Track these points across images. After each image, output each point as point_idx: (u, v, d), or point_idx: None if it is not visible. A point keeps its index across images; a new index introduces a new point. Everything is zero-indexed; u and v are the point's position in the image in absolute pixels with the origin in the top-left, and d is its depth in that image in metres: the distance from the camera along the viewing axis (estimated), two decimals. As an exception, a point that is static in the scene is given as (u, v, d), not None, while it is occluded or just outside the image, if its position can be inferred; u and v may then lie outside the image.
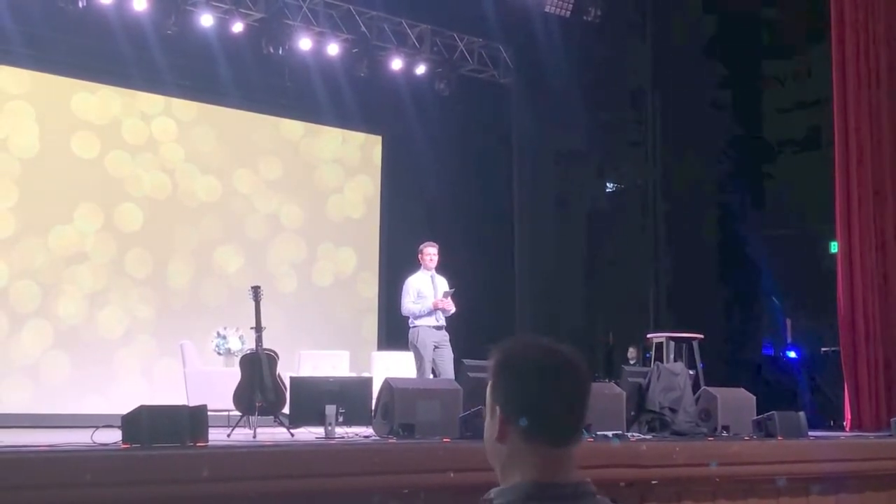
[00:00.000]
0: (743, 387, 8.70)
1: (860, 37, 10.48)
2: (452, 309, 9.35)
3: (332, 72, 12.92)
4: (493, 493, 1.90)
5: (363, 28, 12.92)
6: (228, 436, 7.15)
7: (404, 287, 9.41)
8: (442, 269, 9.58)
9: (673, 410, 8.03)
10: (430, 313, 9.27)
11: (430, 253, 9.47)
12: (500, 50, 14.22)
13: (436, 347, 9.20)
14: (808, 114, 12.77)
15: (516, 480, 1.89)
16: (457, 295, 9.40)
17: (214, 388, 9.07)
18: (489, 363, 1.97)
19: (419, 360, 9.21)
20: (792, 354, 12.91)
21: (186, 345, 10.39)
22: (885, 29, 10.52)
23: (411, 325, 9.31)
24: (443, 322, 9.33)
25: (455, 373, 8.82)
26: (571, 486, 1.89)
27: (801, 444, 7.55)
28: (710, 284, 12.92)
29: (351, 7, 12.77)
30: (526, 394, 1.89)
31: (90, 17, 11.01)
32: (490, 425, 1.95)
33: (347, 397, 7.30)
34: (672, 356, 10.48)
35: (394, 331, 13.13)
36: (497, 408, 1.92)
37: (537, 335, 1.98)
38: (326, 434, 6.79)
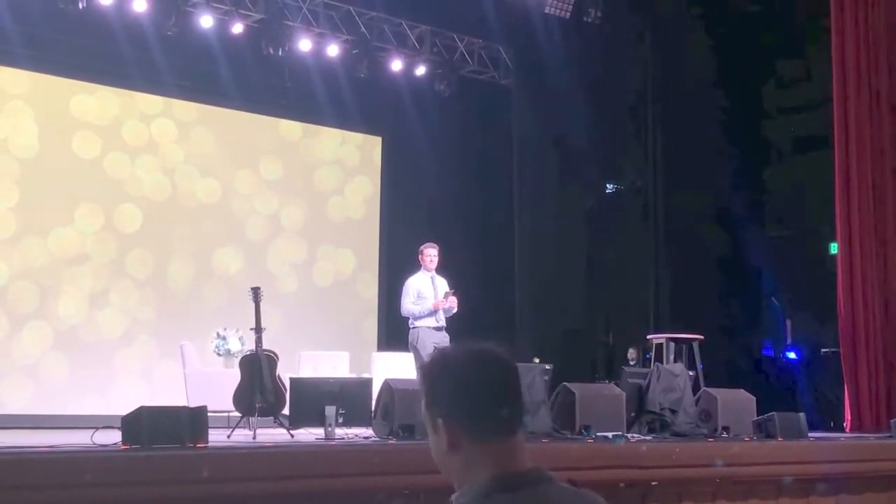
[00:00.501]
0: (743, 388, 8.69)
1: (860, 38, 10.48)
2: (455, 308, 9.34)
3: (332, 73, 12.92)
4: (453, 498, 1.93)
5: (363, 29, 12.92)
6: (228, 437, 7.15)
7: (404, 288, 9.40)
8: (442, 270, 9.58)
9: (673, 411, 8.03)
10: (430, 314, 9.26)
11: (431, 254, 9.45)
12: (501, 51, 14.22)
13: (436, 348, 9.18)
14: (809, 115, 12.78)
15: (473, 481, 1.91)
16: (457, 295, 9.40)
17: (214, 389, 9.07)
18: (419, 381, 2.04)
19: (419, 361, 9.20)
20: (792, 355, 12.90)
21: (186, 346, 10.38)
22: (886, 30, 10.52)
23: (411, 326, 9.30)
24: (443, 323, 9.33)
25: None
26: (528, 472, 1.92)
27: (801, 445, 7.56)
28: (710, 285, 12.92)
29: (351, 8, 12.77)
30: (462, 394, 1.94)
31: (90, 18, 11.01)
32: (437, 441, 1.99)
33: (347, 398, 7.30)
34: (672, 357, 10.49)
35: (394, 332, 13.12)
36: (439, 420, 1.96)
37: (460, 341, 2.04)
38: (326, 435, 6.80)
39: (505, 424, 1.94)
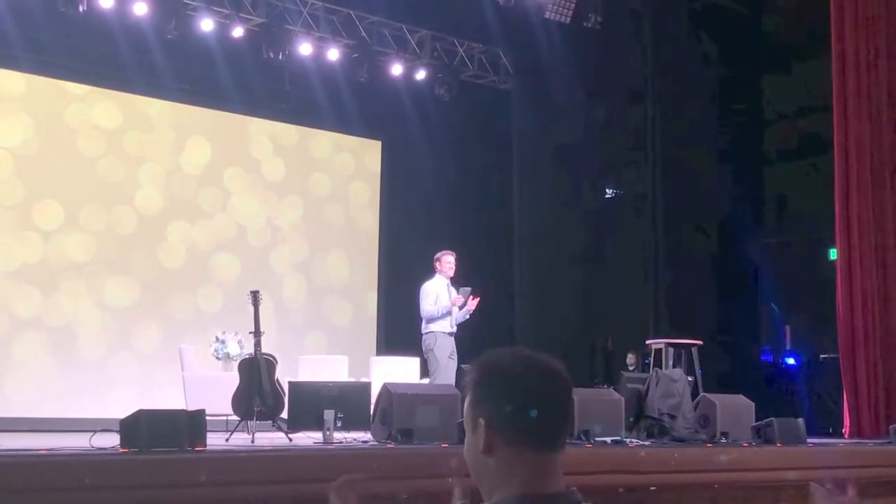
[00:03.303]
0: (742, 393, 8.70)
1: (860, 43, 10.49)
2: (474, 307, 9.38)
3: (333, 77, 12.92)
4: None
5: (363, 33, 12.92)
6: (227, 440, 7.15)
7: (423, 291, 9.37)
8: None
9: (672, 416, 8.03)
10: (445, 316, 9.27)
11: (450, 261, 9.48)
12: (500, 55, 14.23)
13: (450, 354, 9.21)
14: (809, 120, 12.78)
15: (501, 495, 1.87)
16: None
17: (213, 393, 9.06)
18: (467, 378, 1.97)
19: (434, 364, 9.19)
20: (791, 361, 12.90)
21: (185, 349, 10.38)
22: (886, 36, 10.53)
23: (427, 331, 9.28)
24: (455, 329, 9.36)
25: (454, 378, 8.85)
26: (558, 496, 1.88)
27: (799, 450, 7.57)
28: (710, 291, 12.92)
29: (351, 12, 12.78)
30: (512, 400, 1.89)
31: (91, 22, 11.01)
32: (473, 440, 1.93)
33: (346, 402, 7.31)
34: (671, 362, 10.48)
35: (392, 336, 13.13)
36: (481, 420, 1.90)
37: (514, 347, 2.00)
38: (325, 439, 6.80)
39: (547, 440, 1.90)
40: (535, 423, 1.88)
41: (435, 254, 9.57)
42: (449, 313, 9.27)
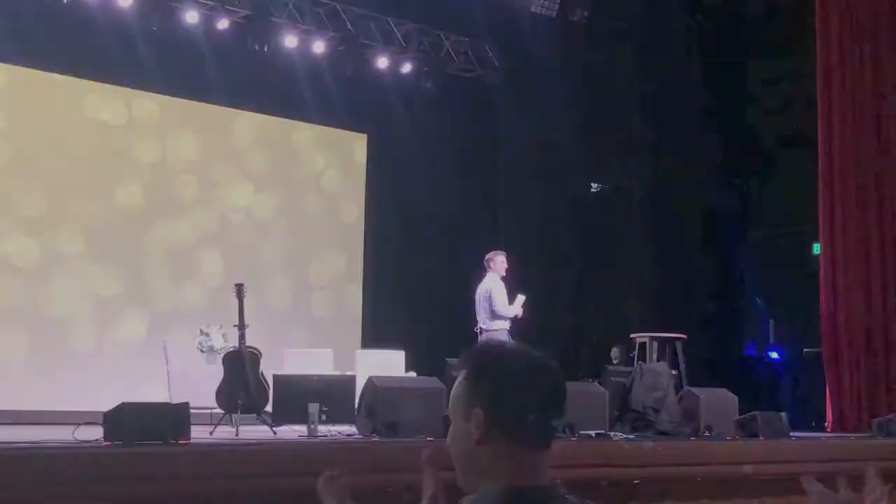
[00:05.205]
0: (725, 387, 8.73)
1: (844, 40, 10.53)
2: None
3: (318, 70, 12.88)
4: (464, 501, 1.90)
5: (349, 26, 12.89)
6: (211, 434, 7.14)
7: (497, 291, 9.56)
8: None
9: (656, 410, 8.06)
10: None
11: (503, 260, 9.74)
12: (487, 49, 14.21)
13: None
14: (794, 116, 12.83)
15: (488, 486, 1.87)
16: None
17: (197, 386, 9.01)
18: (465, 366, 1.96)
19: None
20: (774, 355, 12.96)
21: (169, 342, 10.35)
22: (870, 32, 10.57)
23: (491, 328, 9.43)
24: None
25: (438, 371, 8.87)
26: (543, 489, 1.89)
27: (783, 444, 7.61)
28: (694, 285, 12.95)
29: (337, 5, 12.74)
30: (512, 392, 1.89)
31: (75, 13, 10.95)
32: (464, 430, 1.91)
33: (331, 396, 7.31)
34: (655, 356, 10.51)
35: (377, 329, 13.11)
36: (478, 411, 1.89)
37: (507, 341, 2.00)
38: (309, 432, 6.80)
39: (541, 435, 1.92)
40: (535, 420, 1.89)
41: (487, 254, 9.81)
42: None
